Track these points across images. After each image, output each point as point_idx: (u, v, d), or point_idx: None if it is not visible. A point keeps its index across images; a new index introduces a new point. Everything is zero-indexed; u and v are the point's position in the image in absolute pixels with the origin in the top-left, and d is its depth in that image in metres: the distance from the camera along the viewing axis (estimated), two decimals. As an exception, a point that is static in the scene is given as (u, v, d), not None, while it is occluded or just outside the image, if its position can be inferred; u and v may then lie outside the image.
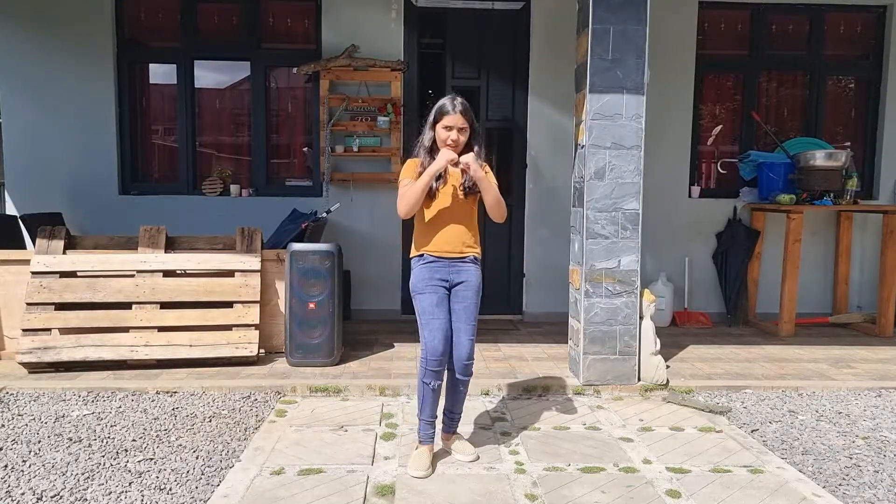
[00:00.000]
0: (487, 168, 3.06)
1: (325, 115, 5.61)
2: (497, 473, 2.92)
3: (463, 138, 2.94)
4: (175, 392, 3.91)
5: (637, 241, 4.01)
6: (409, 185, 2.92)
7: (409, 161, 3.05)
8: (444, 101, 2.95)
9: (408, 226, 5.97)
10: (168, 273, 4.48)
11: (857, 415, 3.74)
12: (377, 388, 3.97)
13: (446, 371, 3.01)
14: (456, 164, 2.91)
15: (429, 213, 2.99)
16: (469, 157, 2.90)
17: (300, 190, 5.91)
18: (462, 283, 2.98)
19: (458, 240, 2.98)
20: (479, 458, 3.08)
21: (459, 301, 2.98)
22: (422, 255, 3.00)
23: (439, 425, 3.13)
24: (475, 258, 3.02)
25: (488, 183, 2.95)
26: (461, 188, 2.98)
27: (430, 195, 2.96)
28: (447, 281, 2.97)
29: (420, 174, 2.94)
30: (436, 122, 2.96)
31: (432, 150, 2.98)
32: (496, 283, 6.00)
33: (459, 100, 2.95)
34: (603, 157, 3.95)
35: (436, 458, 3.06)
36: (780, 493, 2.78)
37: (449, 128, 2.92)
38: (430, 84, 6.23)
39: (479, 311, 3.03)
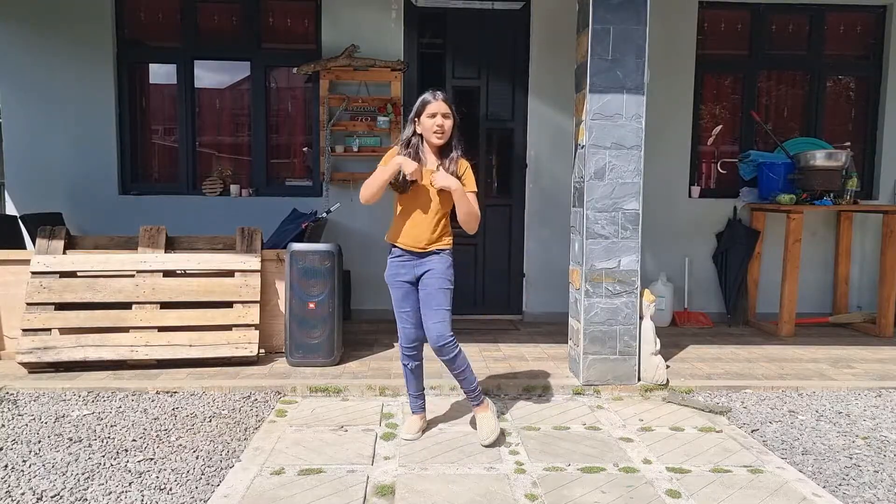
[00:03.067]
0: (466, 166, 3.17)
1: (325, 115, 5.61)
2: (497, 473, 2.92)
3: (448, 124, 3.09)
4: (175, 392, 3.91)
5: (637, 241, 4.01)
6: (377, 172, 3.08)
7: (391, 150, 3.23)
8: (425, 95, 3.12)
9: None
10: (168, 273, 4.48)
11: (857, 415, 3.74)
12: (377, 388, 3.97)
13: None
14: (413, 179, 3.04)
15: (402, 207, 3.18)
16: (439, 177, 3.05)
17: (300, 190, 5.91)
18: (426, 272, 3.17)
19: (423, 237, 3.14)
20: (492, 444, 3.19)
21: (424, 288, 3.18)
22: (392, 249, 3.23)
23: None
24: (439, 250, 3.17)
25: (461, 194, 3.07)
26: (434, 186, 3.10)
27: (402, 191, 3.12)
28: (412, 275, 3.18)
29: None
30: (418, 114, 3.11)
31: (409, 144, 3.14)
32: (496, 283, 6.01)
33: (439, 91, 3.12)
34: (603, 157, 3.95)
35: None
36: (780, 493, 2.78)
37: (433, 115, 3.06)
38: (430, 84, 6.20)
39: (450, 294, 3.18)
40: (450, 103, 3.09)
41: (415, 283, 3.19)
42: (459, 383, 3.28)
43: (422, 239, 3.14)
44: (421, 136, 3.13)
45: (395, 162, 3.04)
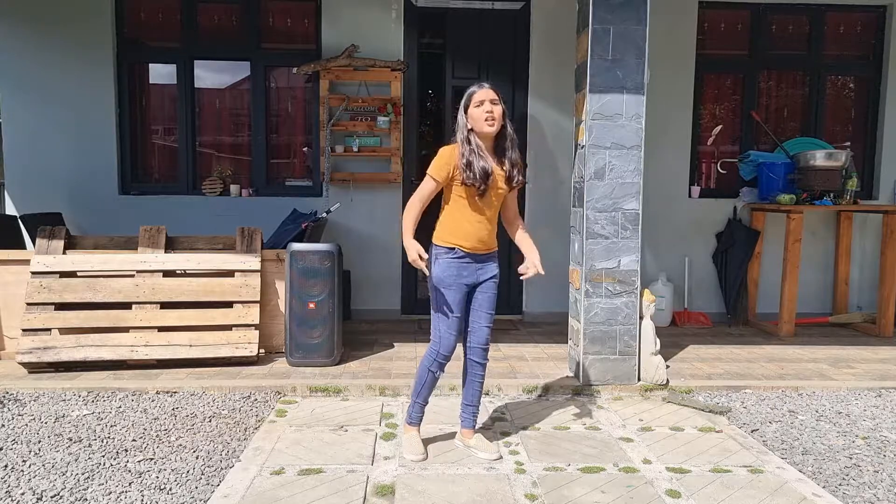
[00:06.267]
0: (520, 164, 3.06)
1: (325, 115, 5.61)
2: (497, 473, 2.92)
3: (498, 110, 2.91)
4: (175, 392, 3.91)
5: (637, 241, 4.01)
6: (412, 211, 2.89)
7: (444, 149, 2.95)
8: (471, 87, 2.97)
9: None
10: (168, 273, 4.48)
11: (857, 415, 3.74)
12: (377, 388, 3.97)
13: (465, 359, 3.13)
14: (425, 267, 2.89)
15: (464, 207, 2.95)
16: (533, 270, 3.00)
17: (300, 190, 5.91)
18: (491, 277, 3.06)
19: (490, 237, 3.02)
20: (501, 457, 3.07)
21: (484, 291, 3.06)
22: (453, 249, 2.97)
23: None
24: (496, 252, 3.10)
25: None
26: (510, 183, 2.98)
27: (482, 194, 2.91)
28: (474, 278, 3.02)
29: (463, 166, 2.86)
30: (466, 106, 2.95)
31: (469, 142, 2.92)
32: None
33: (485, 82, 2.99)
34: (603, 157, 3.95)
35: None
36: (780, 493, 2.78)
37: (481, 102, 2.90)
38: (430, 84, 6.24)
39: None
40: (498, 91, 2.94)
41: (472, 288, 3.04)
42: (472, 395, 3.15)
43: (487, 241, 3.00)
44: (472, 130, 2.94)
45: (411, 259, 2.84)
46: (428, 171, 2.93)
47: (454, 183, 2.93)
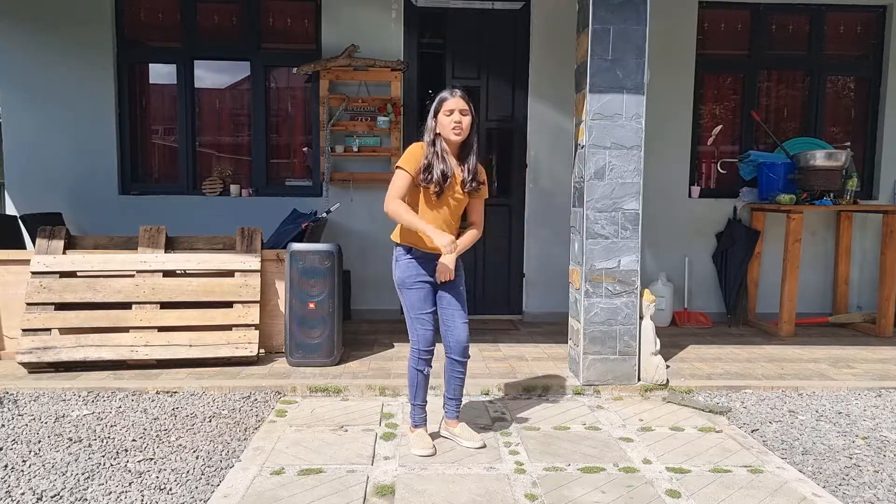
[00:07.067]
0: (484, 175, 3.13)
1: (325, 115, 5.61)
2: (497, 473, 2.92)
3: (466, 121, 3.00)
4: (175, 392, 3.91)
5: (637, 241, 4.01)
6: (402, 206, 2.94)
7: (414, 146, 3.05)
8: (443, 92, 3.03)
9: (408, 226, 6.00)
10: (168, 273, 4.48)
11: (857, 415, 3.74)
12: (377, 388, 3.97)
13: (445, 358, 3.17)
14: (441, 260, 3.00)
15: (424, 208, 3.05)
16: (448, 263, 2.98)
17: (300, 190, 5.91)
18: None
19: None
20: (485, 445, 3.14)
21: (449, 288, 3.12)
22: (409, 249, 3.08)
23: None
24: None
25: (468, 243, 3.10)
26: (463, 188, 3.05)
27: (437, 195, 3.00)
28: (434, 276, 3.09)
29: (423, 167, 2.96)
30: (436, 112, 3.02)
31: (434, 144, 3.02)
32: (496, 283, 6.01)
33: (457, 88, 3.04)
34: (603, 157, 3.95)
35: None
36: (780, 493, 2.78)
37: (451, 111, 2.98)
38: (430, 84, 6.24)
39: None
40: (468, 100, 3.01)
41: (434, 284, 3.11)
42: (455, 389, 3.22)
43: None
44: (439, 134, 3.02)
45: (441, 244, 2.87)
46: (398, 164, 2.99)
47: (415, 182, 3.00)
